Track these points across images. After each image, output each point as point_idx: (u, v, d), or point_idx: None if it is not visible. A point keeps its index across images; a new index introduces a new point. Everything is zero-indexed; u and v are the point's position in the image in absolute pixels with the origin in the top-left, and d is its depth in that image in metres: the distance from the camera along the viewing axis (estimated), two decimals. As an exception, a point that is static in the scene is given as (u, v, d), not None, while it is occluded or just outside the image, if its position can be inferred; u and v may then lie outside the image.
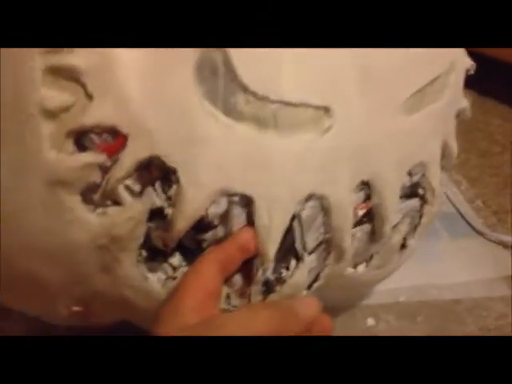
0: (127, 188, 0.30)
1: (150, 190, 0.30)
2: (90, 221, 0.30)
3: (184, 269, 0.32)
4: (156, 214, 0.30)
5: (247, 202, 0.30)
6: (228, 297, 0.32)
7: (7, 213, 0.31)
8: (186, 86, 0.29)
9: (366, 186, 0.34)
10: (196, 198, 0.29)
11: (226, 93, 0.29)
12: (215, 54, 0.29)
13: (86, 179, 0.29)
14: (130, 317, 0.35)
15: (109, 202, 0.30)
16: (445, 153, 0.38)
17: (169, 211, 0.30)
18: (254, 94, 0.28)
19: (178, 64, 0.29)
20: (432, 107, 0.34)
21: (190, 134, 0.29)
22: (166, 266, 0.32)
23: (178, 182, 0.29)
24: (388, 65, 0.31)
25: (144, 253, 0.32)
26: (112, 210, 0.30)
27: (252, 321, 0.27)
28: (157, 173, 0.30)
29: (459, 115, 0.39)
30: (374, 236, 0.36)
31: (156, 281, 0.32)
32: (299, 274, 0.33)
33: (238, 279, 0.32)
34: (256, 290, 0.32)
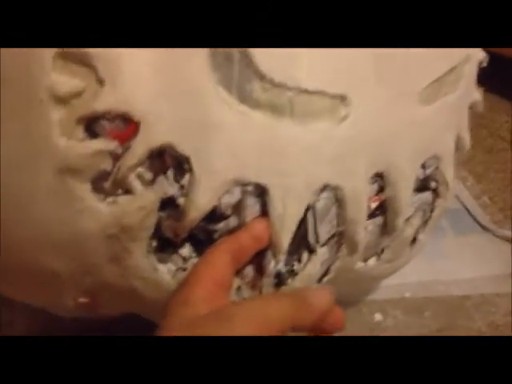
0: (139, 176, 0.29)
1: (161, 178, 0.29)
2: (100, 210, 0.29)
3: (194, 260, 0.31)
4: (167, 204, 0.30)
5: (261, 192, 0.30)
6: (239, 289, 0.32)
7: (15, 201, 0.30)
8: (200, 72, 0.28)
9: (379, 178, 0.33)
10: (209, 186, 0.28)
11: (241, 79, 0.28)
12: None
13: (96, 167, 0.29)
14: (137, 308, 0.35)
15: (119, 191, 0.29)
16: (458, 146, 0.38)
17: (181, 201, 0.29)
18: (271, 81, 0.28)
19: (192, 49, 0.28)
20: (447, 98, 0.34)
21: (203, 122, 0.28)
22: (176, 256, 0.31)
23: (190, 170, 0.28)
24: (405, 53, 0.31)
25: (154, 243, 0.31)
26: (123, 198, 0.29)
27: (264, 311, 0.26)
28: (169, 161, 0.29)
29: (472, 108, 0.39)
30: (386, 229, 0.35)
31: (166, 272, 0.31)
32: (311, 267, 0.33)
33: (249, 271, 0.32)
34: (267, 282, 0.32)
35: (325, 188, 0.31)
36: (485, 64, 0.40)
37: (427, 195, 0.37)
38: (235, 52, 0.28)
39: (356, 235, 0.33)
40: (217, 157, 0.28)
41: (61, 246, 0.30)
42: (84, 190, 0.29)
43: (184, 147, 0.28)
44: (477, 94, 0.39)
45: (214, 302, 0.27)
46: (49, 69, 0.28)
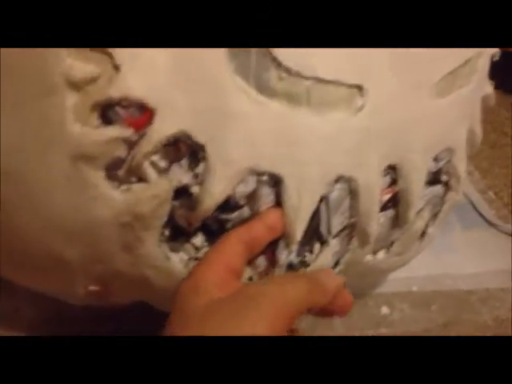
0: (153, 164, 0.29)
1: (176, 167, 0.29)
2: (113, 197, 0.29)
3: (206, 249, 0.31)
4: (181, 193, 0.29)
5: (275, 182, 0.29)
6: (250, 279, 0.32)
7: (29, 188, 0.30)
8: (217, 60, 0.28)
9: (391, 170, 0.33)
10: (224, 175, 0.28)
11: (258, 68, 0.28)
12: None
13: (110, 154, 0.28)
14: (148, 297, 0.34)
15: (133, 179, 0.29)
16: (469, 140, 0.38)
17: (195, 189, 0.29)
18: (287, 70, 0.28)
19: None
20: (461, 91, 0.34)
21: (220, 110, 0.28)
22: (188, 246, 0.31)
23: (205, 159, 0.28)
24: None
25: (167, 232, 0.31)
26: (136, 186, 0.29)
27: (283, 293, 0.26)
28: (184, 149, 0.29)
29: (484, 101, 0.39)
30: (397, 221, 0.35)
31: (178, 261, 0.31)
32: (323, 258, 0.33)
33: (261, 261, 0.32)
34: (279, 272, 0.32)
35: (339, 179, 0.31)
36: (497, 58, 0.39)
37: (438, 188, 0.37)
38: (252, 40, 0.28)
39: (368, 227, 0.33)
40: (232, 145, 0.28)
41: (73, 234, 0.30)
42: (98, 177, 0.29)
43: (199, 135, 0.28)
44: (489, 88, 0.39)
45: (226, 288, 0.27)
46: (64, 54, 0.28)
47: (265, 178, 0.29)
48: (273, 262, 0.32)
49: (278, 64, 0.28)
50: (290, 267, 0.32)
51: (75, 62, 0.28)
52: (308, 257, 0.33)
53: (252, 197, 0.30)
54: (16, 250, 0.33)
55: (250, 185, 0.29)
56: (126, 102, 0.28)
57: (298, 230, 0.30)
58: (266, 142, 0.28)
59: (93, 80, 0.28)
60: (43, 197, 0.30)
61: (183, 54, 0.28)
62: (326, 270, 0.32)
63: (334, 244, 0.33)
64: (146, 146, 0.28)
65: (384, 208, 0.34)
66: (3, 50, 0.28)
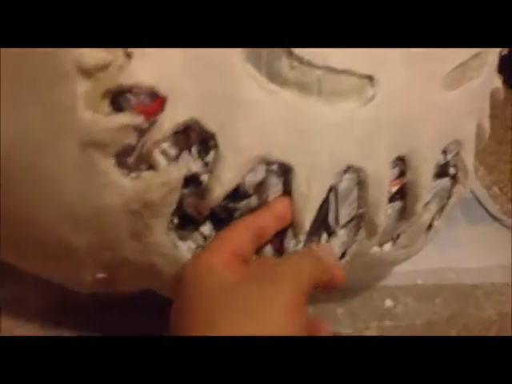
0: (163, 152, 0.29)
1: (186, 155, 0.29)
2: (123, 185, 0.29)
3: (214, 238, 0.31)
4: (191, 181, 0.30)
5: (284, 172, 0.29)
6: (258, 268, 0.32)
7: (38, 174, 0.30)
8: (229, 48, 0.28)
9: (400, 162, 0.33)
10: (234, 163, 0.28)
11: (269, 57, 0.28)
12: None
13: (121, 141, 0.28)
14: (155, 285, 0.35)
15: (143, 166, 0.29)
16: (477, 134, 0.38)
17: (204, 178, 0.29)
18: (299, 59, 0.28)
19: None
20: (471, 84, 0.34)
21: (231, 98, 0.28)
22: (196, 234, 0.31)
23: (216, 147, 0.28)
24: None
25: (175, 220, 0.31)
26: (146, 174, 0.29)
27: (295, 269, 0.27)
28: (194, 137, 0.29)
29: (493, 95, 0.39)
30: (404, 214, 0.35)
31: (186, 249, 0.31)
32: (330, 249, 0.33)
33: (268, 250, 0.32)
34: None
35: (348, 169, 0.31)
36: (506, 52, 0.39)
37: (446, 181, 0.37)
38: (264, 29, 0.28)
39: (376, 218, 0.33)
40: (243, 134, 0.28)
41: (82, 221, 0.30)
42: (108, 164, 0.29)
43: (210, 123, 0.28)
44: (498, 82, 0.39)
45: (233, 272, 0.27)
46: (75, 41, 0.28)
47: (274, 167, 0.29)
48: (280, 252, 0.32)
49: (290, 53, 0.28)
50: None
51: (86, 48, 0.28)
52: (315, 247, 0.33)
53: (260, 186, 0.30)
54: (24, 237, 0.33)
55: (259, 174, 0.29)
56: (136, 90, 0.28)
57: (307, 220, 0.30)
58: (277, 131, 0.28)
59: (104, 67, 0.28)
60: (53, 183, 0.30)
61: (195, 42, 0.28)
62: (324, 245, 0.32)
63: (341, 235, 0.33)
64: (157, 133, 0.28)
65: (392, 200, 0.34)
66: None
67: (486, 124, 0.38)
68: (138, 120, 0.28)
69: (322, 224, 0.32)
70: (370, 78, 0.29)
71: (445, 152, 0.35)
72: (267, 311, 0.25)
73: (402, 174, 0.34)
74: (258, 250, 0.31)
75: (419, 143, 0.32)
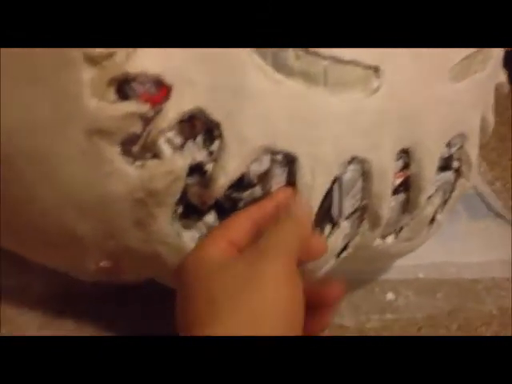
0: (168, 141, 0.29)
1: (191, 144, 0.29)
2: (128, 173, 0.29)
3: (218, 228, 0.31)
4: (195, 170, 0.30)
5: (288, 162, 0.30)
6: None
7: (44, 162, 0.30)
8: (235, 37, 0.28)
9: (404, 154, 0.33)
10: (239, 153, 0.28)
11: (275, 46, 0.28)
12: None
13: (126, 129, 0.28)
14: (159, 274, 0.35)
15: (148, 155, 0.29)
16: (482, 127, 0.38)
17: (209, 167, 0.29)
18: (305, 49, 0.28)
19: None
20: (476, 77, 0.34)
21: (236, 88, 0.28)
22: (200, 224, 0.31)
23: (221, 136, 0.28)
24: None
25: (180, 209, 0.31)
26: (151, 162, 0.29)
27: (282, 236, 0.28)
28: (199, 126, 0.29)
29: (497, 89, 0.39)
30: (407, 206, 0.35)
31: (190, 238, 0.31)
32: (333, 240, 0.33)
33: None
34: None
35: (352, 160, 0.31)
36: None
37: (449, 175, 0.37)
38: (270, 19, 0.28)
39: (380, 209, 0.33)
40: (248, 123, 0.28)
41: (87, 209, 0.30)
42: (113, 152, 0.29)
43: (215, 112, 0.28)
44: (503, 76, 0.39)
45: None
46: (82, 29, 0.28)
47: (279, 157, 0.29)
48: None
49: (296, 43, 0.28)
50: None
51: (93, 36, 0.28)
52: (318, 238, 0.33)
53: (264, 176, 0.30)
54: (28, 225, 0.33)
55: (263, 164, 0.29)
56: (142, 78, 0.28)
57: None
58: (282, 121, 0.28)
59: (110, 55, 0.28)
60: (58, 171, 0.30)
61: (201, 31, 0.28)
62: (297, 201, 0.31)
63: (344, 226, 0.33)
64: (162, 122, 0.28)
65: (395, 192, 0.34)
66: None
67: (491, 117, 0.38)
68: (144, 108, 0.28)
69: (326, 215, 0.32)
70: (376, 69, 0.29)
71: (449, 145, 0.35)
72: (261, 284, 0.26)
73: (406, 166, 0.34)
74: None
75: (424, 135, 0.32)
